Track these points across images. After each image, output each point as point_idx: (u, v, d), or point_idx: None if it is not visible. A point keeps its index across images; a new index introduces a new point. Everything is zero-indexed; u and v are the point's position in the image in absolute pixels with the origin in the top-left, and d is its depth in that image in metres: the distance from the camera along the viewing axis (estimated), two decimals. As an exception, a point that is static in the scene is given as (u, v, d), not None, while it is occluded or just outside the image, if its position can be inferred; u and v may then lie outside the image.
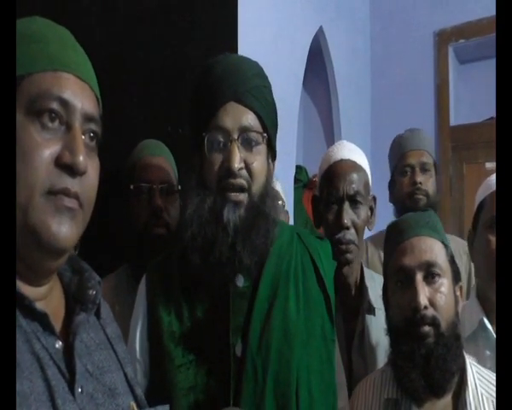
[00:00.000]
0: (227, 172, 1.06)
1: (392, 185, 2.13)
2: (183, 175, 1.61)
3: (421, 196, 2.00)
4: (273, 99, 1.17)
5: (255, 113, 1.09)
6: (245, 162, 1.08)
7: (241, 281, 1.10)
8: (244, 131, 1.08)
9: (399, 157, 2.08)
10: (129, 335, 1.16)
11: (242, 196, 1.08)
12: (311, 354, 1.08)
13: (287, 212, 2.14)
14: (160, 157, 1.58)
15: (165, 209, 1.51)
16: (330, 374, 1.12)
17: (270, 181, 1.14)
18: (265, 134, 1.11)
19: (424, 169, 2.04)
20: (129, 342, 1.15)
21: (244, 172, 1.08)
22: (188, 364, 1.06)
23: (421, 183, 2.00)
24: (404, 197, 2.03)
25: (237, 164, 1.05)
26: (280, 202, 2.22)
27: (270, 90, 1.16)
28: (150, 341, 1.12)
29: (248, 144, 1.09)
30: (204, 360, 1.06)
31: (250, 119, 1.09)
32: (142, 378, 1.12)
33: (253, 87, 1.10)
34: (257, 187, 1.09)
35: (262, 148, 1.11)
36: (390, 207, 2.13)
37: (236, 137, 1.07)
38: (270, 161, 1.17)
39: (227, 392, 1.03)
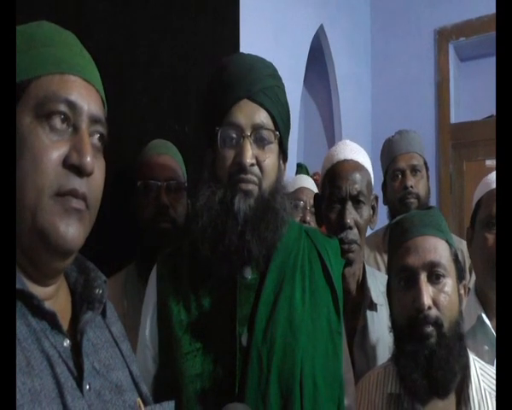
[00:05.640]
0: (238, 167, 1.08)
1: (385, 188, 2.15)
2: (191, 172, 1.63)
3: (412, 200, 2.02)
4: (286, 100, 1.18)
5: (268, 111, 1.11)
6: (257, 159, 1.09)
7: (248, 273, 1.11)
8: (257, 128, 1.09)
9: (390, 161, 2.11)
10: (140, 323, 1.18)
11: (253, 187, 1.09)
12: (316, 345, 1.09)
13: (312, 213, 2.02)
14: (167, 155, 1.60)
15: (172, 206, 1.54)
16: (336, 366, 1.12)
17: (280, 180, 1.16)
18: (277, 132, 1.12)
19: (415, 171, 2.06)
20: (140, 329, 1.17)
21: (255, 168, 1.09)
22: (195, 351, 1.08)
23: (412, 186, 2.03)
24: (396, 201, 2.05)
25: (249, 159, 1.07)
26: (302, 203, 2.21)
27: (284, 92, 1.17)
28: (160, 328, 1.14)
29: (261, 142, 1.10)
30: (211, 348, 1.08)
31: (263, 117, 1.10)
32: (152, 364, 1.14)
33: (266, 87, 1.11)
34: (267, 184, 1.11)
35: (274, 146, 1.13)
36: (385, 209, 2.13)
37: (249, 134, 1.08)
38: (281, 161, 1.18)
39: (232, 380, 1.05)
